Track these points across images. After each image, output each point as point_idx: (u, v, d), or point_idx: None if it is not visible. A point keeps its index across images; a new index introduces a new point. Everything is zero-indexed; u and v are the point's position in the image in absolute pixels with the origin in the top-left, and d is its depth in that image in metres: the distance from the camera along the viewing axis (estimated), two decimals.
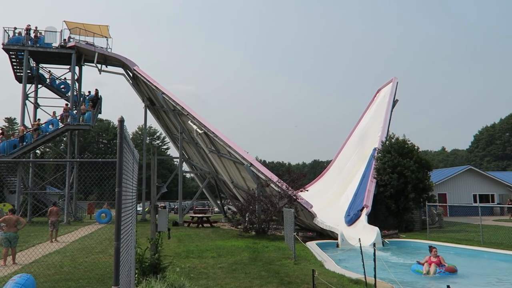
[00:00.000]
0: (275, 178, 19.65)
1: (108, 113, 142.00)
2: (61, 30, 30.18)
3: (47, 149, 53.91)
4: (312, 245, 14.64)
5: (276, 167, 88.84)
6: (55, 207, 18.00)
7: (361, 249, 8.89)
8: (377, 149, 23.62)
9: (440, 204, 27.47)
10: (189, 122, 25.44)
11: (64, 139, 47.56)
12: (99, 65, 31.15)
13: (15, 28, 29.17)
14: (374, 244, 8.97)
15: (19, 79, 30.91)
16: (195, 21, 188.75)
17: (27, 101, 29.99)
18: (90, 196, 52.30)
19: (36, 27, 29.69)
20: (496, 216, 32.85)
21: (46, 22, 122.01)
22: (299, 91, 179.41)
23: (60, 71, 41.23)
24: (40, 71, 31.75)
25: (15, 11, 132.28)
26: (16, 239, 11.70)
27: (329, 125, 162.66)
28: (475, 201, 34.61)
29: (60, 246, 14.95)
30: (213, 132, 22.86)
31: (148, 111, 32.86)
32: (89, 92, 31.53)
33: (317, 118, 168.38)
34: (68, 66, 30.71)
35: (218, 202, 34.19)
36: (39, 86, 31.51)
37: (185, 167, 34.86)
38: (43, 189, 31.85)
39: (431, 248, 11.52)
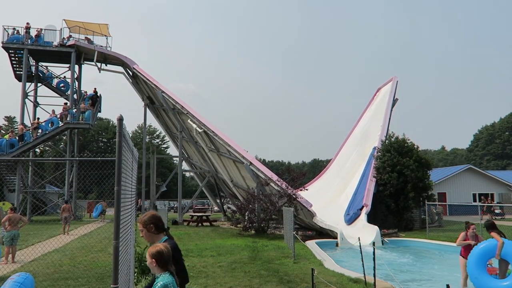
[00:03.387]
0: (274, 177, 19.63)
1: (108, 111, 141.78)
2: (61, 29, 30.17)
3: (47, 148, 53.85)
4: (311, 244, 14.62)
5: (276, 166, 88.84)
6: (67, 204, 20.48)
7: (360, 248, 8.89)
8: (376, 148, 23.61)
9: (439, 203, 27.48)
10: (189, 121, 25.43)
11: (64, 137, 47.48)
12: (98, 64, 31.09)
13: (14, 28, 29.11)
14: (373, 243, 8.97)
15: (18, 77, 30.86)
16: (195, 20, 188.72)
17: (26, 100, 29.95)
18: (90, 195, 52.30)
19: (40, 29, 29.63)
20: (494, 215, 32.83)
21: (45, 21, 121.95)
22: (300, 91, 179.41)
23: (59, 70, 41.16)
24: (40, 69, 31.73)
25: (15, 10, 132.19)
26: (18, 237, 11.75)
27: (329, 124, 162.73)
28: (474, 200, 34.63)
29: (59, 245, 14.94)
30: (213, 131, 22.85)
31: (147, 109, 32.81)
32: (86, 92, 31.48)
33: (317, 117, 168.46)
34: (67, 65, 30.67)
35: (218, 201, 34.17)
36: (39, 84, 31.49)
37: (184, 166, 34.85)
38: (42, 188, 31.81)
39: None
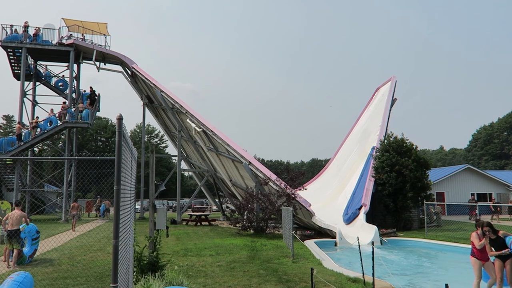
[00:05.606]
0: (273, 176, 19.63)
1: (107, 111, 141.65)
2: (59, 28, 30.07)
3: (45, 147, 53.77)
4: (310, 244, 14.65)
5: (274, 166, 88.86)
6: (75, 203, 22.35)
7: (359, 247, 8.90)
8: (375, 147, 23.63)
9: (438, 203, 27.52)
10: (188, 120, 25.41)
11: (62, 136, 47.45)
12: (97, 63, 31.06)
13: (12, 26, 29.02)
14: (372, 243, 8.97)
15: (17, 76, 30.78)
16: (193, 19, 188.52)
17: (25, 99, 29.87)
18: (89, 194, 52.25)
19: (39, 28, 29.52)
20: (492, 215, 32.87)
21: (44, 20, 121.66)
22: (299, 90, 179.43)
23: (58, 69, 41.03)
24: (38, 68, 31.65)
25: (13, 9, 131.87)
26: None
27: (328, 124, 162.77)
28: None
29: (58, 244, 14.92)
30: (212, 130, 22.85)
31: (146, 109, 32.80)
32: (84, 90, 31.37)
33: (316, 116, 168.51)
34: (66, 64, 30.60)
35: (217, 200, 34.18)
36: (37, 83, 31.42)
37: (183, 165, 34.86)
38: (41, 187, 31.77)
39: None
